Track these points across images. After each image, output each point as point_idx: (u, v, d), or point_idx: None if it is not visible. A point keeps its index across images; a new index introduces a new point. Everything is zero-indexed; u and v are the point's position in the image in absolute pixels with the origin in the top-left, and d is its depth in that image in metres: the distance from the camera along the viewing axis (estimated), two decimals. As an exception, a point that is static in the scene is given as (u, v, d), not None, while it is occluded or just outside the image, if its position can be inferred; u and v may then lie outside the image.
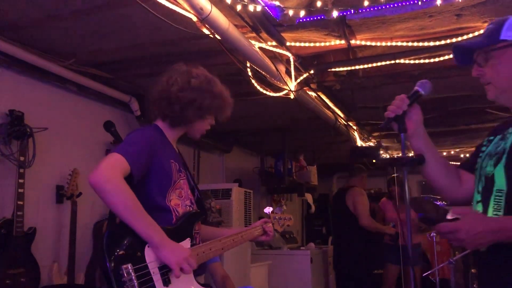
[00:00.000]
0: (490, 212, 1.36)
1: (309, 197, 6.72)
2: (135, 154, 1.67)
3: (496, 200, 1.35)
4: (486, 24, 2.85)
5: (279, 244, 5.39)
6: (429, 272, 3.93)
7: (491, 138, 1.51)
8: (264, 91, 3.55)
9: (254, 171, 6.18)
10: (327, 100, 4.32)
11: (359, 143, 5.81)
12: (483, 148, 1.52)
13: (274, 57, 3.29)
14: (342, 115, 4.89)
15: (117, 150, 1.67)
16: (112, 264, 1.53)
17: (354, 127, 5.48)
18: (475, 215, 1.31)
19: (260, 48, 3.08)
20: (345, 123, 5.12)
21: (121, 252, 1.57)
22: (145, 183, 1.74)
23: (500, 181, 1.35)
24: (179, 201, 1.85)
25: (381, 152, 6.26)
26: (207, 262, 3.02)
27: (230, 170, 5.85)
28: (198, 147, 5.17)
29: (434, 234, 4.09)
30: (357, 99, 4.35)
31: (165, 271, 1.62)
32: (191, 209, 1.91)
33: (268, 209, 2.40)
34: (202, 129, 1.98)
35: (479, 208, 1.42)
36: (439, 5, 2.40)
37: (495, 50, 1.43)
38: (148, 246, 1.61)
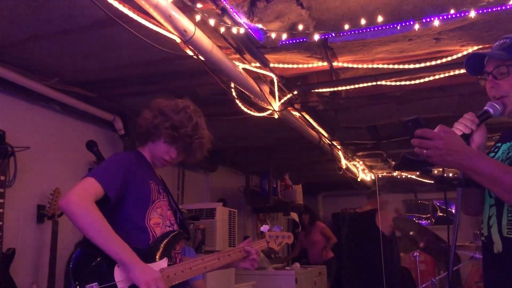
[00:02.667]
0: (505, 216, 1.39)
1: (294, 216, 6.72)
2: (109, 177, 1.72)
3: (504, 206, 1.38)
4: (464, 48, 2.95)
5: (264, 264, 5.35)
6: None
7: (498, 144, 1.55)
8: (248, 111, 3.58)
9: (239, 190, 6.17)
10: (311, 120, 4.36)
11: (344, 162, 5.87)
12: (491, 154, 1.55)
13: (258, 77, 3.32)
14: (326, 135, 4.93)
15: (91, 174, 1.71)
16: (77, 283, 1.55)
17: (338, 147, 5.53)
18: (457, 136, 1.33)
19: (244, 69, 3.12)
20: (329, 142, 5.16)
21: (88, 271, 1.59)
22: (124, 204, 1.77)
23: None
24: (160, 220, 1.85)
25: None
26: (190, 280, 3.00)
27: (215, 189, 5.83)
28: (183, 166, 5.16)
29: (417, 253, 4.11)
30: (340, 119, 4.41)
31: None
32: (171, 229, 1.90)
33: (265, 228, 2.31)
34: (159, 154, 1.96)
35: (493, 211, 1.44)
36: (417, 30, 2.46)
37: None
38: (118, 266, 1.63)
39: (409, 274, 6.30)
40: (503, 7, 2.21)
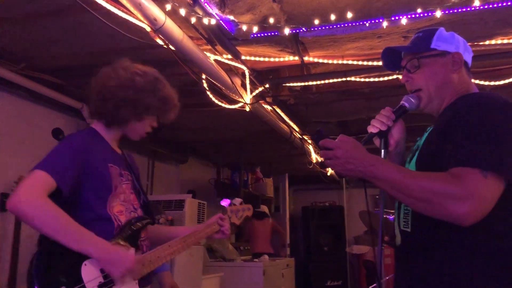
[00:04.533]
0: (402, 210, 1.40)
1: (264, 209, 6.76)
2: (60, 167, 1.55)
3: None
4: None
5: (233, 256, 5.37)
6: (374, 285, 4.03)
7: (418, 138, 1.54)
8: (220, 103, 3.58)
9: (210, 182, 6.17)
10: (282, 114, 4.40)
11: (314, 156, 5.94)
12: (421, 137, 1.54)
13: (229, 69, 3.33)
14: (297, 129, 4.98)
15: (39, 165, 1.53)
16: None
17: (309, 141, 5.59)
18: (358, 144, 1.30)
19: (216, 60, 3.12)
20: (300, 137, 5.21)
21: (52, 274, 1.46)
22: (81, 194, 1.62)
23: None
24: (123, 207, 1.73)
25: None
26: (155, 271, 2.98)
27: (185, 181, 5.81)
28: (153, 156, 5.12)
29: (383, 247, 4.21)
30: (311, 113, 4.46)
31: (108, 287, 1.54)
32: (135, 215, 1.79)
33: (225, 202, 2.22)
34: (140, 131, 1.84)
35: (396, 205, 1.46)
36: (385, 27, 2.51)
37: (426, 58, 1.46)
38: (85, 264, 1.51)
39: (374, 267, 6.44)
40: (468, 9, 2.27)
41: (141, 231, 1.77)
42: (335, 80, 3.42)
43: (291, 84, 3.62)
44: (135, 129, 1.83)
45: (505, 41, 2.86)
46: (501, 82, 3.31)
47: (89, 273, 1.51)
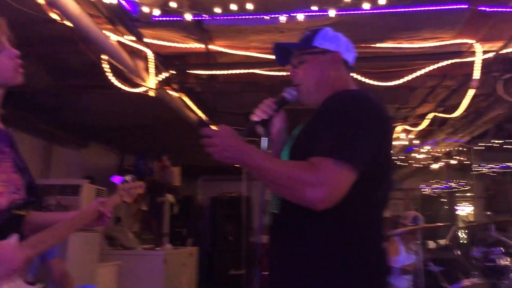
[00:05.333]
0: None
1: (170, 198, 6.69)
2: None
3: None
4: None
5: (133, 244, 5.28)
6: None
7: (295, 129, 1.60)
8: (122, 86, 3.48)
9: (113, 168, 5.98)
10: (189, 102, 4.37)
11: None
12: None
13: (132, 52, 3.24)
14: (206, 119, 4.98)
15: None
16: None
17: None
18: (235, 134, 1.36)
19: (118, 42, 3.03)
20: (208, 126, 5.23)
21: None
22: None
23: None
24: (4, 188, 1.59)
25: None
26: (45, 258, 2.83)
27: (86, 166, 5.57)
28: (50, 139, 4.85)
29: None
30: (218, 103, 4.48)
31: None
32: (18, 197, 1.64)
33: (116, 179, 2.12)
34: (6, 66, 1.62)
35: None
36: (284, 22, 2.59)
37: (307, 55, 1.55)
38: None
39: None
40: (358, 11, 2.42)
41: (23, 215, 1.65)
42: (240, 71, 3.47)
43: (197, 72, 3.61)
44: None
45: (395, 45, 3.09)
46: (391, 84, 3.56)
47: None
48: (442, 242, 5.61)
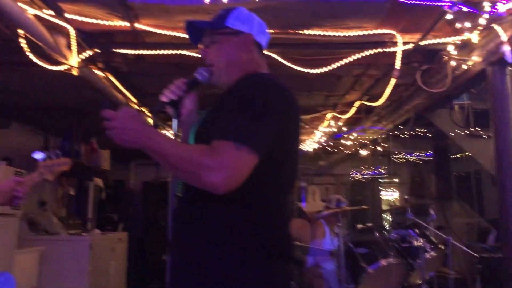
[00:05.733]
0: None
1: (99, 182, 6.49)
2: None
3: None
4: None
5: (57, 229, 5.07)
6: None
7: (204, 111, 1.58)
8: (41, 63, 3.29)
9: (34, 150, 5.67)
10: (116, 83, 4.23)
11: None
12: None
13: (52, 27, 3.08)
14: (134, 100, 4.84)
15: None
16: None
17: (148, 114, 5.49)
18: (136, 116, 1.31)
19: (36, 16, 2.85)
20: (138, 108, 5.09)
21: None
22: None
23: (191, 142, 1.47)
24: None
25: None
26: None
27: (5, 147, 5.25)
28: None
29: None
30: (147, 85, 4.37)
31: None
32: None
33: (38, 154, 1.99)
34: None
35: None
36: (209, 4, 2.56)
37: (219, 35, 1.51)
38: None
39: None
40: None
41: None
42: (167, 52, 3.39)
43: (123, 51, 3.49)
44: None
45: (321, 32, 3.15)
46: (319, 71, 3.64)
47: None
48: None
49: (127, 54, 3.59)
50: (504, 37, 2.77)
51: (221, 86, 1.54)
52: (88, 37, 3.32)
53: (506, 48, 2.76)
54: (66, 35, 3.22)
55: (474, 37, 3.08)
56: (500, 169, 3.05)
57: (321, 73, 3.69)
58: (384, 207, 8.97)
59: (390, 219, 7.56)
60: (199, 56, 3.69)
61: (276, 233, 1.37)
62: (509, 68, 3.09)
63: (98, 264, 5.11)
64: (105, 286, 5.44)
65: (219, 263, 1.30)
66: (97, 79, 3.90)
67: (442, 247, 3.83)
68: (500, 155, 3.06)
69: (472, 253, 3.99)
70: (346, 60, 3.48)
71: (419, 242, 3.64)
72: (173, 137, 1.47)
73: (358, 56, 3.44)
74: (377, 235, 3.88)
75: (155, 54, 3.55)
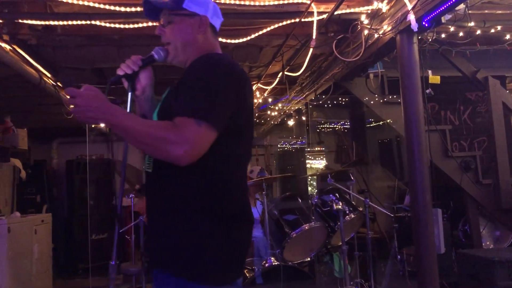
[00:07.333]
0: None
1: (17, 162, 6.13)
2: None
3: None
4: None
5: (-30, 215, 4.76)
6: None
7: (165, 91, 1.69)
8: None
9: None
10: (27, 56, 3.97)
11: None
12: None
13: None
14: (48, 75, 4.59)
15: None
16: None
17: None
18: (99, 94, 1.38)
19: None
20: (54, 83, 4.83)
21: None
22: None
23: None
24: None
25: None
26: None
27: None
28: None
29: (133, 195, 4.30)
30: (60, 58, 4.15)
31: None
32: None
33: None
34: None
35: None
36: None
37: (177, 16, 1.60)
38: None
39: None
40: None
41: None
42: (79, 22, 3.23)
43: (30, 22, 3.28)
44: None
45: (237, 2, 3.13)
46: (240, 41, 3.63)
47: None
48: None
49: (35, 25, 3.37)
50: (409, 6, 2.91)
51: (178, 64, 1.64)
52: (-11, 6, 3.08)
53: (411, 17, 2.90)
54: (-38, 3, 2.97)
55: (384, 6, 3.21)
56: (409, 134, 3.23)
57: (241, 43, 3.70)
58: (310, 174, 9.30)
59: (315, 186, 7.85)
60: (113, 27, 3.56)
61: (236, 198, 1.51)
62: (418, 36, 3.26)
63: (19, 248, 4.88)
64: (29, 270, 5.22)
65: (188, 227, 1.42)
66: (3, 53, 3.64)
67: (361, 209, 4.04)
68: (409, 120, 3.23)
69: (389, 213, 4.25)
70: (264, 31, 3.50)
71: (338, 206, 3.82)
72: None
73: (276, 26, 3.47)
74: (300, 201, 4.02)
75: (65, 25, 3.37)
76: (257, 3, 3.17)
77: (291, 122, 7.35)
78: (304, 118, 6.52)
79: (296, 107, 6.25)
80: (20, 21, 3.30)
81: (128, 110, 1.56)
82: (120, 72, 1.58)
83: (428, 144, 3.43)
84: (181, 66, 1.65)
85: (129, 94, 1.59)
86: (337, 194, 4.05)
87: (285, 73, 4.51)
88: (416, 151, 3.17)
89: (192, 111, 1.35)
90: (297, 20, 3.39)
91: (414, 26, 2.86)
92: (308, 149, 8.06)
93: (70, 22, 3.25)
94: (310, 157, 9.33)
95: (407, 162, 3.25)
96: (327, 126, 8.29)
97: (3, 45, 3.62)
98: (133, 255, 4.91)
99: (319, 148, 9.28)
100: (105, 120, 1.36)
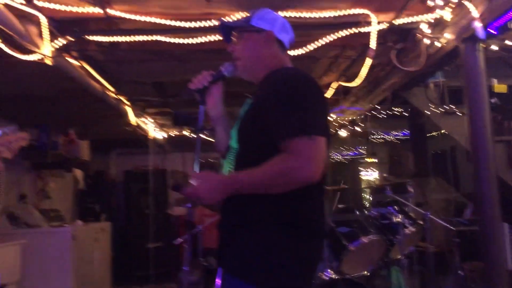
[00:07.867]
0: (227, 166, 1.61)
1: (79, 173, 6.42)
2: None
3: (230, 156, 1.61)
4: (231, 12, 3.17)
5: (38, 222, 5.03)
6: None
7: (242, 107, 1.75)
8: (12, 52, 3.22)
9: (13, 143, 5.57)
10: (91, 71, 4.17)
11: (133, 118, 5.80)
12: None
13: (23, 16, 3.01)
14: (111, 89, 4.78)
15: None
16: None
17: (127, 102, 5.43)
18: (207, 175, 1.48)
19: (5, 4, 2.79)
20: (116, 97, 5.03)
21: None
22: None
23: (234, 141, 1.62)
24: None
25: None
26: None
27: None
28: None
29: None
30: (124, 72, 4.32)
31: None
32: None
33: None
34: None
35: (223, 162, 1.67)
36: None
37: (245, 32, 1.69)
38: None
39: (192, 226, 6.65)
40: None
41: None
42: (142, 38, 3.35)
43: (97, 39, 3.44)
44: None
45: (295, 14, 3.15)
46: (295, 53, 3.63)
47: None
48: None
49: (101, 41, 3.53)
50: (475, 13, 2.82)
51: (247, 79, 1.71)
52: (61, 25, 3.26)
53: (477, 24, 2.81)
54: (38, 23, 3.15)
55: (446, 14, 3.12)
56: (475, 145, 3.12)
57: (297, 55, 3.70)
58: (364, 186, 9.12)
59: (370, 198, 7.70)
60: (175, 42, 3.67)
61: (318, 214, 1.54)
62: (481, 44, 3.15)
63: (82, 254, 5.09)
64: (90, 276, 5.43)
65: (270, 240, 1.44)
66: (72, 68, 3.84)
67: (421, 222, 3.92)
68: (475, 131, 3.12)
69: (450, 227, 4.10)
70: (321, 42, 3.49)
71: (398, 219, 3.72)
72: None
73: (333, 37, 3.45)
74: (358, 213, 3.95)
75: (130, 41, 3.51)
76: (315, 15, 3.18)
77: (342, 133, 7.27)
78: (358, 129, 6.42)
79: (350, 118, 6.17)
80: (87, 37, 3.47)
81: (200, 122, 1.67)
82: (192, 86, 1.67)
83: (495, 155, 3.28)
84: (250, 80, 1.72)
85: (201, 107, 1.67)
86: (395, 207, 3.95)
87: (341, 83, 4.47)
88: (482, 163, 3.05)
89: (300, 130, 1.39)
90: (357, 30, 3.36)
91: (482, 33, 2.77)
92: (362, 161, 7.92)
93: (134, 38, 3.38)
94: (361, 169, 9.17)
95: (473, 174, 3.12)
96: (380, 137, 8.13)
97: (72, 61, 3.82)
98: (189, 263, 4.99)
99: (370, 160, 9.10)
100: (233, 191, 1.45)
